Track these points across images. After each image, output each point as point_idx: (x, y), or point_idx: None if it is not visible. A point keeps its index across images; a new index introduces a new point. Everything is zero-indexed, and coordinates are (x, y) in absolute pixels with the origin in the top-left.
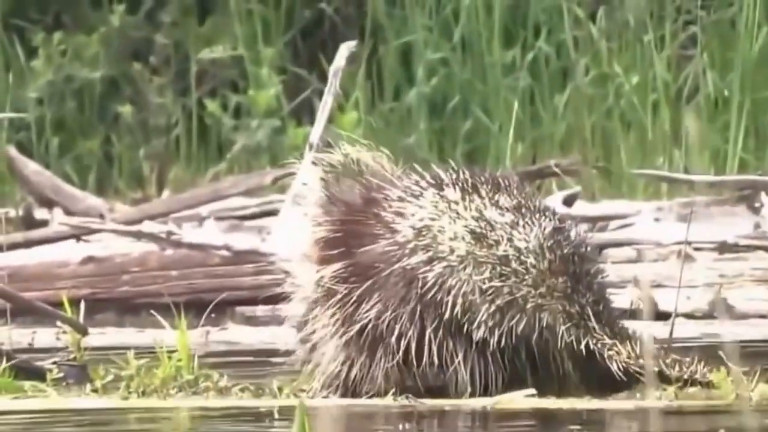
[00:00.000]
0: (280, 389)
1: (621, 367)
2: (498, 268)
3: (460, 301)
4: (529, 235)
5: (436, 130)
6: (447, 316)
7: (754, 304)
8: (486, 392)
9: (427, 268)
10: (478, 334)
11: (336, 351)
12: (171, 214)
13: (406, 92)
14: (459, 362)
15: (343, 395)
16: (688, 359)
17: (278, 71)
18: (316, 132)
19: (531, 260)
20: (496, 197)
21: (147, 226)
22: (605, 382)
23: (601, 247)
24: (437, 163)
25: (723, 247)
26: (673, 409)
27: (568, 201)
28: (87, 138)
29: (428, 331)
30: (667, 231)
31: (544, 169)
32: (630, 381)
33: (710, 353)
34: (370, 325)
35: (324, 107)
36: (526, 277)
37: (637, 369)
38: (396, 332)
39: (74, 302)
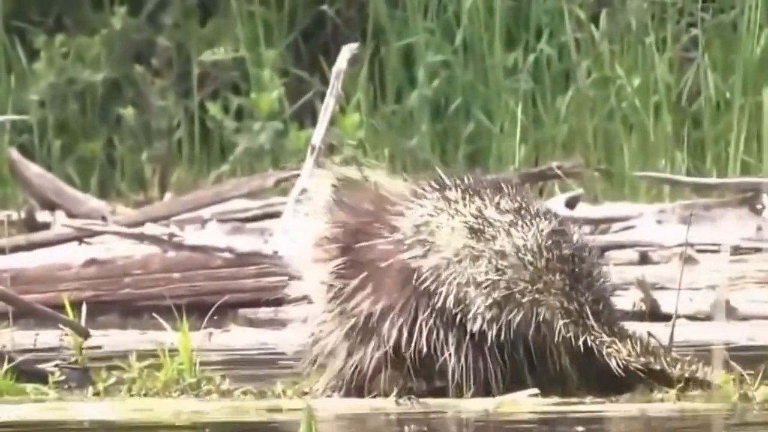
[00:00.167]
0: (284, 391)
1: (621, 364)
2: (494, 262)
3: (454, 291)
4: (527, 234)
5: (438, 132)
6: (440, 306)
7: (756, 305)
8: (486, 388)
9: (423, 259)
10: (473, 326)
11: (336, 345)
12: (173, 217)
13: (408, 94)
14: (451, 353)
15: (347, 394)
16: (688, 358)
17: (280, 73)
18: (318, 134)
19: (528, 257)
20: (497, 199)
21: (149, 229)
22: (604, 381)
23: (604, 249)
24: (439, 165)
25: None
26: (675, 411)
27: (571, 203)
28: (89, 140)
29: (420, 320)
30: (670, 233)
31: (547, 172)
32: (630, 380)
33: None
34: (363, 317)
35: (326, 109)
36: (523, 272)
37: (638, 367)
38: (388, 321)
39: (76, 305)
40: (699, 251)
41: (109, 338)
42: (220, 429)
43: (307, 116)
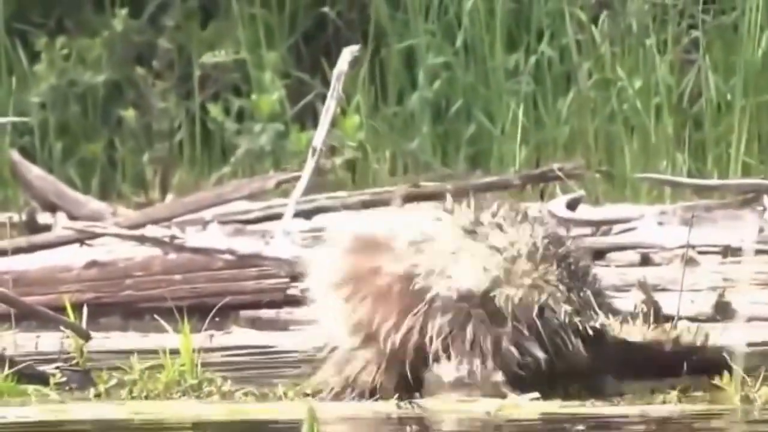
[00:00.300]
0: (285, 393)
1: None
2: (489, 256)
3: (449, 285)
4: (522, 231)
5: (439, 134)
6: (433, 296)
7: (757, 307)
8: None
9: (419, 266)
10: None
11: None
12: (174, 218)
13: (409, 96)
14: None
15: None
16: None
17: (281, 75)
18: (319, 136)
19: (524, 249)
20: (493, 208)
21: (150, 231)
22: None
23: (605, 251)
24: (440, 167)
25: (726, 251)
26: (676, 413)
27: (572, 205)
28: (90, 142)
29: (417, 315)
30: (671, 235)
31: (548, 173)
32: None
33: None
34: (365, 319)
35: (327, 111)
36: (519, 261)
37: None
38: (386, 327)
39: (78, 307)
40: (700, 253)
41: (111, 340)
42: (221, 430)
43: (308, 118)
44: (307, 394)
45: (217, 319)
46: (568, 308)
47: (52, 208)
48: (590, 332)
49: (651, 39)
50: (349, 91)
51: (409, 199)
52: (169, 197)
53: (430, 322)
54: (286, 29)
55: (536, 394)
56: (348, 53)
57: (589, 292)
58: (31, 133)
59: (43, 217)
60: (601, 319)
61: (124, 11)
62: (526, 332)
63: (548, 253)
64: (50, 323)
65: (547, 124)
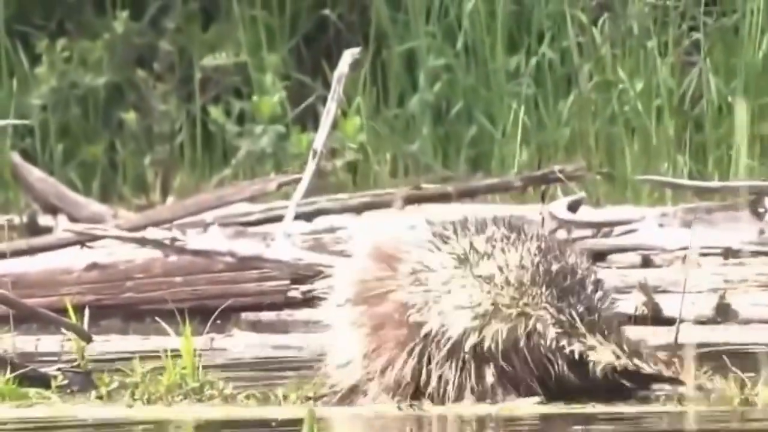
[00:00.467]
0: (285, 397)
1: (605, 368)
2: (479, 285)
3: (441, 318)
4: (512, 255)
5: (440, 136)
6: (426, 333)
7: (758, 309)
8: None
9: (415, 296)
10: (459, 342)
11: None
12: (175, 221)
13: (410, 98)
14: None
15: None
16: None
17: (282, 77)
18: (320, 138)
19: (513, 274)
20: (489, 231)
21: (151, 233)
22: (605, 388)
23: (605, 252)
24: (441, 169)
25: (727, 253)
26: (675, 415)
27: (573, 207)
28: (91, 144)
29: (413, 352)
30: (672, 236)
31: (549, 175)
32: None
33: (714, 359)
34: (370, 360)
35: (327, 113)
36: (507, 288)
37: (624, 368)
38: (387, 360)
39: (78, 309)
40: (701, 254)
41: (111, 342)
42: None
43: (309, 120)
44: (310, 398)
45: (218, 321)
46: (557, 331)
47: (53, 210)
48: (576, 356)
49: (652, 41)
50: (350, 93)
51: (409, 201)
52: (170, 199)
53: (424, 361)
54: (287, 31)
55: (537, 399)
56: (348, 55)
57: (581, 309)
58: (32, 136)
59: (43, 220)
60: (589, 342)
61: (125, 13)
62: (516, 363)
63: (539, 273)
64: (51, 325)
65: (548, 126)
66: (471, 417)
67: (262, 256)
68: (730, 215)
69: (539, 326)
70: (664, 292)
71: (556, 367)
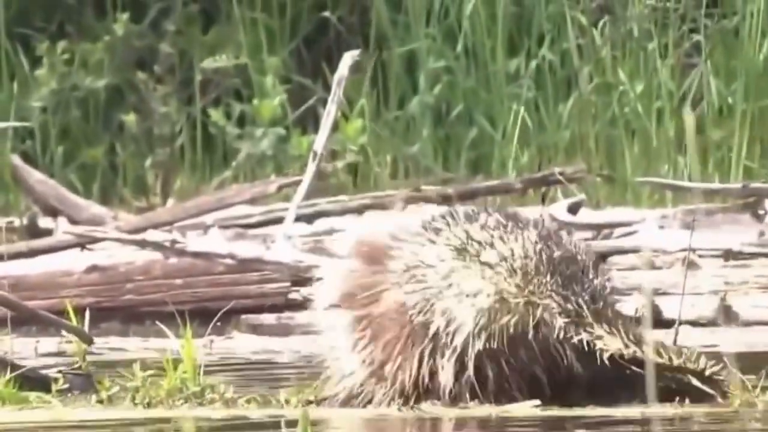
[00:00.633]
0: (287, 401)
1: (615, 356)
2: (482, 273)
3: (446, 314)
4: (513, 243)
5: (440, 138)
6: (434, 333)
7: (758, 311)
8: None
9: (414, 294)
10: (466, 340)
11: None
12: (175, 223)
13: (410, 100)
14: (450, 377)
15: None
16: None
17: (282, 80)
18: (320, 140)
19: (517, 263)
20: (483, 220)
21: (151, 235)
22: (612, 383)
23: (606, 254)
24: (441, 171)
25: (728, 255)
26: (677, 417)
27: (573, 209)
28: (91, 147)
29: (418, 353)
30: (672, 238)
31: (549, 177)
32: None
33: (715, 360)
34: (367, 360)
35: (328, 116)
36: (512, 278)
37: (630, 356)
38: (395, 364)
39: (78, 311)
40: (701, 256)
41: (111, 345)
42: None
43: (309, 122)
44: (311, 402)
45: (218, 323)
46: (564, 320)
47: (53, 212)
48: (584, 346)
49: (652, 43)
50: (351, 96)
51: (410, 202)
52: (170, 202)
53: (436, 360)
54: (288, 34)
55: (536, 402)
56: (348, 58)
57: (587, 297)
58: (32, 138)
59: (44, 222)
60: (596, 331)
61: (125, 16)
62: (524, 357)
63: (542, 261)
64: (50, 327)
65: (548, 128)
66: (471, 417)
67: (263, 258)
68: (731, 217)
69: (546, 316)
70: (664, 294)
71: (564, 358)
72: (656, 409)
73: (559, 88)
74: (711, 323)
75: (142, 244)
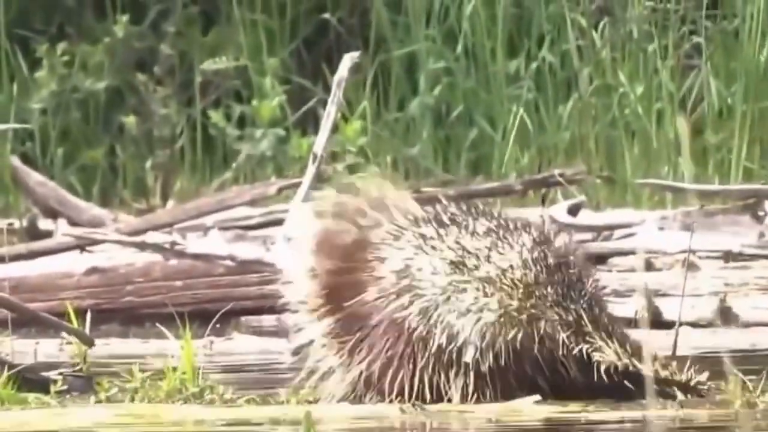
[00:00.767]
0: (287, 400)
1: (610, 367)
2: (482, 289)
3: (446, 330)
4: (510, 253)
5: (440, 139)
6: (435, 349)
7: (758, 312)
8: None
9: (410, 307)
10: (470, 356)
11: (339, 396)
12: (175, 225)
13: (410, 102)
14: (454, 393)
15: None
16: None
17: (282, 81)
18: (320, 142)
19: (516, 275)
20: (472, 224)
21: (151, 237)
22: (612, 392)
23: (606, 255)
24: (441, 173)
25: (728, 256)
26: (678, 418)
27: (573, 210)
28: (91, 148)
29: (420, 368)
30: (672, 240)
31: (549, 179)
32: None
33: (715, 362)
34: (364, 373)
35: (327, 117)
36: (514, 291)
37: (625, 368)
38: (389, 377)
39: (78, 313)
40: (701, 258)
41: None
42: None
43: (309, 124)
44: (310, 401)
45: (218, 325)
46: (566, 332)
47: (53, 214)
48: (585, 357)
49: (652, 44)
50: (350, 97)
51: None
52: (171, 203)
53: (440, 377)
54: (287, 35)
55: (537, 397)
56: (348, 60)
57: (585, 306)
58: (32, 140)
59: (43, 224)
60: (597, 342)
61: (125, 17)
62: (528, 370)
63: (540, 271)
64: (50, 329)
65: (548, 130)
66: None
67: (263, 259)
68: (731, 218)
69: (549, 329)
70: (664, 295)
71: (570, 369)
72: (656, 411)
73: (559, 89)
74: (711, 324)
75: (142, 246)
